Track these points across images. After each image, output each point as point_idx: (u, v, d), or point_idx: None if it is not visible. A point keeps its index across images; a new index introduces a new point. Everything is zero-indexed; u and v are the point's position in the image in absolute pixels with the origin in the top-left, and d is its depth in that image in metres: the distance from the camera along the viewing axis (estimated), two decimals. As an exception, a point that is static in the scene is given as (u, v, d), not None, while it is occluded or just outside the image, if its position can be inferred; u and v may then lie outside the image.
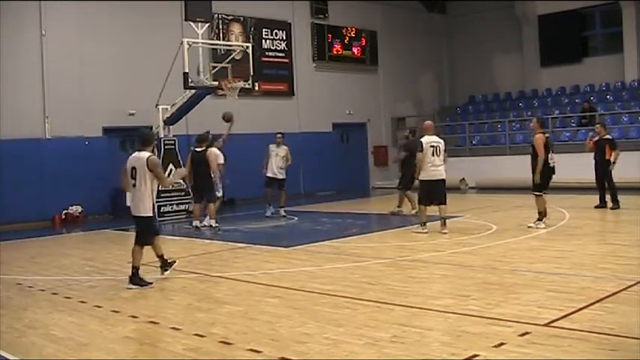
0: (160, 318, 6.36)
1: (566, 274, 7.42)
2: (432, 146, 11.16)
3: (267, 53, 21.33)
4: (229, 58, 16.28)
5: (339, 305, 6.45)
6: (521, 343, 4.98)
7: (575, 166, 15.52)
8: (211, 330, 5.80)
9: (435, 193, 11.27)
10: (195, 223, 13.34)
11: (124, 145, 18.36)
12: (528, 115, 23.52)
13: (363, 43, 24.35)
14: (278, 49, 21.77)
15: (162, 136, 16.05)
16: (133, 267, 7.90)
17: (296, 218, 14.73)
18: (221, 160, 13.46)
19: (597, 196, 13.92)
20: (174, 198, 15.76)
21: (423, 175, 11.25)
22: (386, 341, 5.18)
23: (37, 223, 15.69)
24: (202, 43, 15.69)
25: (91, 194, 16.81)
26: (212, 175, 13.00)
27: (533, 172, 11.23)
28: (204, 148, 13.09)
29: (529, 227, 11.12)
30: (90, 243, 13.04)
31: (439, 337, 5.33)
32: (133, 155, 8.16)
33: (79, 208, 16.54)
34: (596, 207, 13.69)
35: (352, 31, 23.95)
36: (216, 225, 13.19)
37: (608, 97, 23.17)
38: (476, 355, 4.72)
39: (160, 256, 8.33)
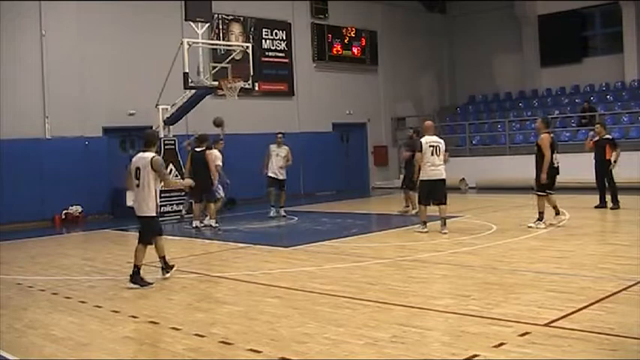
0: (160, 318, 6.36)
1: (566, 274, 7.42)
2: (432, 146, 11.16)
3: (267, 53, 21.34)
4: (229, 58, 16.28)
5: (339, 305, 6.45)
6: (521, 343, 4.98)
7: (575, 166, 15.51)
8: (211, 330, 5.80)
9: (434, 193, 11.28)
10: (196, 223, 13.34)
11: (123, 145, 18.40)
12: (528, 115, 23.57)
13: (363, 43, 24.36)
14: (278, 49, 21.77)
15: (162, 136, 16.04)
16: (135, 265, 7.91)
17: (296, 218, 14.73)
18: (219, 162, 13.45)
19: (597, 196, 13.93)
20: (174, 198, 15.74)
21: (423, 175, 11.28)
22: (386, 341, 5.18)
23: (37, 223, 15.70)
24: (202, 43, 15.68)
25: (91, 194, 16.82)
26: (211, 176, 12.98)
27: (538, 172, 11.18)
28: (203, 148, 13.08)
29: (529, 227, 11.11)
30: (90, 243, 13.05)
31: (439, 337, 5.33)
32: (137, 155, 8.21)
33: (79, 208, 16.53)
34: (596, 207, 13.69)
35: (352, 31, 23.96)
36: (217, 225, 13.19)
37: (608, 97, 23.18)
38: (476, 355, 4.72)
39: (162, 258, 8.34)
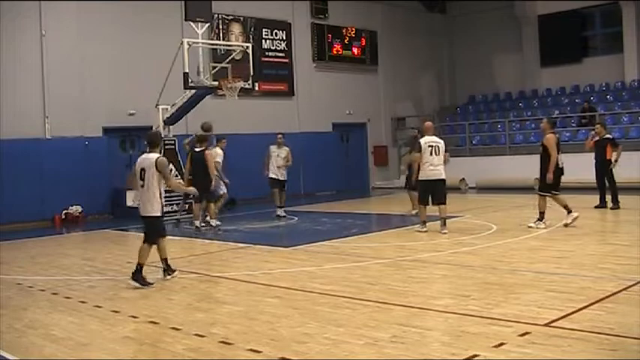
0: (160, 318, 6.36)
1: (566, 274, 7.42)
2: (431, 146, 11.19)
3: (267, 53, 21.34)
4: (229, 58, 16.27)
5: (339, 305, 6.45)
6: (521, 343, 4.98)
7: (575, 166, 15.46)
8: (211, 330, 5.80)
9: (434, 193, 11.30)
10: (196, 223, 13.33)
11: (123, 145, 18.41)
12: (528, 115, 23.58)
13: (363, 43, 24.36)
14: (278, 49, 21.77)
15: (162, 136, 16.04)
16: (138, 264, 7.93)
17: (296, 218, 14.73)
18: (219, 159, 13.46)
19: (597, 196, 13.93)
20: (174, 198, 15.73)
21: (422, 175, 11.31)
22: (386, 341, 5.18)
23: (37, 223, 15.70)
24: (202, 43, 15.68)
25: (91, 194, 16.82)
26: (210, 175, 12.96)
27: (543, 172, 11.16)
28: (203, 148, 13.08)
29: (529, 227, 11.12)
30: (90, 243, 13.05)
31: (439, 337, 5.33)
32: (142, 156, 8.29)
33: (79, 208, 16.54)
34: (596, 207, 13.69)
35: (352, 31, 23.96)
36: (218, 224, 13.19)
37: (608, 97, 23.19)
38: (476, 355, 4.72)
39: (164, 259, 8.34)
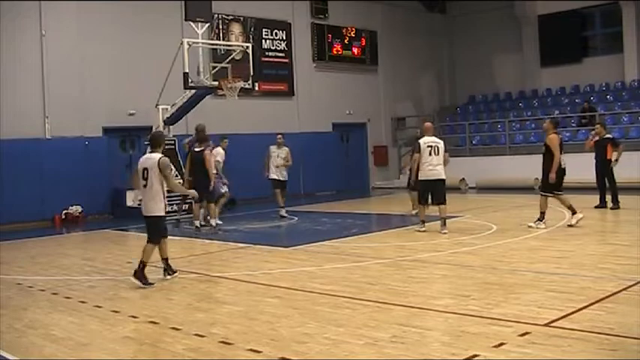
0: (160, 318, 6.36)
1: (566, 274, 7.42)
2: (430, 146, 11.22)
3: (267, 53, 21.34)
4: (229, 58, 16.28)
5: (339, 305, 6.45)
6: (521, 343, 4.98)
7: (575, 166, 15.46)
8: (211, 330, 5.80)
9: (434, 192, 11.32)
10: (196, 223, 13.33)
11: (123, 145, 18.41)
12: (528, 115, 23.59)
13: (363, 43, 24.36)
14: (278, 49, 21.78)
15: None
16: (142, 262, 7.93)
17: (296, 218, 14.72)
18: (219, 158, 13.45)
19: (597, 196, 13.93)
20: (174, 198, 15.71)
21: (422, 175, 11.36)
22: (386, 341, 5.18)
23: (37, 223, 15.70)
24: (202, 43, 15.68)
25: (91, 194, 16.82)
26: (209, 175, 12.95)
27: (545, 172, 11.16)
28: (203, 148, 13.08)
29: (529, 227, 11.12)
30: (90, 243, 13.05)
31: (439, 337, 5.33)
32: (145, 156, 8.33)
33: (79, 208, 16.54)
34: (596, 207, 13.69)
35: (352, 31, 23.96)
36: (219, 223, 13.21)
37: (608, 97, 23.19)
38: (476, 355, 4.72)
39: (165, 259, 8.35)
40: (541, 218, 11.19)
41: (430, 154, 11.19)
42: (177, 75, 15.12)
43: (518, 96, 25.93)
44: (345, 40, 23.75)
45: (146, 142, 16.21)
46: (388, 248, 9.97)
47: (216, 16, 18.85)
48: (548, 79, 25.16)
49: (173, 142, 16.37)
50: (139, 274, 7.87)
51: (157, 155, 8.08)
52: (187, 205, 14.84)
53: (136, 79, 17.68)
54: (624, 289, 6.50)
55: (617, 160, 13.77)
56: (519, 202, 15.90)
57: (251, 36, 20.76)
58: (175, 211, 15.08)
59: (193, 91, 15.56)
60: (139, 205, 8.28)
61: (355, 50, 24.11)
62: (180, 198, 14.98)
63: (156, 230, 8.13)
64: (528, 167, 19.25)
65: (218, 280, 8.27)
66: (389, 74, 25.14)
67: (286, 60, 21.99)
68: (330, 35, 23.23)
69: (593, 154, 14.14)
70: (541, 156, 11.37)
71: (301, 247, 10.56)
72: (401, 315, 5.99)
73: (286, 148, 14.79)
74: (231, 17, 20.42)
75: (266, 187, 15.12)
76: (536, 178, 19.00)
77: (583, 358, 4.59)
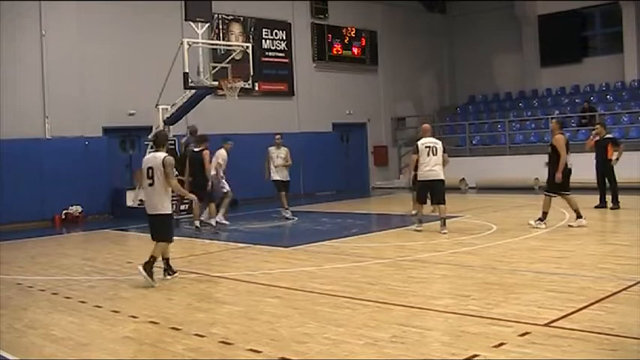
0: (160, 318, 6.36)
1: (566, 274, 7.42)
2: (428, 147, 11.27)
3: (267, 53, 21.34)
4: (229, 58, 16.25)
5: (339, 305, 6.45)
6: (521, 343, 4.98)
7: (575, 166, 15.49)
8: (211, 330, 5.80)
9: (433, 193, 11.35)
10: (196, 223, 13.32)
11: (123, 145, 18.41)
12: (528, 115, 23.59)
13: (363, 43, 24.36)
14: (278, 49, 21.78)
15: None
16: (152, 256, 7.98)
17: (296, 218, 14.71)
18: (221, 161, 13.44)
19: (597, 196, 13.93)
20: (173, 198, 15.69)
21: (421, 176, 11.43)
22: (386, 341, 5.18)
23: (37, 223, 15.70)
24: (202, 43, 15.65)
25: (91, 194, 16.82)
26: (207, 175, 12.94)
27: (551, 172, 11.16)
28: (202, 148, 13.07)
29: (529, 224, 11.15)
30: (90, 243, 13.05)
31: (439, 337, 5.33)
32: (149, 155, 8.43)
33: (79, 208, 16.53)
34: (596, 207, 13.69)
35: (352, 31, 23.96)
36: (226, 223, 13.23)
37: (608, 97, 23.19)
38: (476, 355, 4.72)
39: (166, 260, 8.37)
40: (542, 218, 11.19)
41: (429, 154, 11.23)
42: (177, 75, 15.09)
43: (518, 96, 25.93)
44: (345, 40, 23.75)
45: (146, 142, 16.34)
46: (388, 248, 9.97)
47: (216, 16, 18.84)
48: (548, 79, 25.16)
49: (173, 142, 16.35)
50: (148, 267, 7.92)
51: (162, 154, 8.14)
52: (187, 205, 14.81)
53: (136, 79, 17.67)
54: (624, 289, 6.50)
55: (617, 159, 13.78)
56: (519, 202, 15.90)
57: (251, 36, 20.76)
58: (174, 211, 15.07)
59: (193, 91, 15.53)
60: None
61: (355, 50, 24.11)
62: (177, 198, 14.98)
63: (166, 228, 8.18)
64: (528, 167, 19.28)
65: (218, 280, 8.27)
66: (389, 74, 25.14)
67: (286, 60, 21.98)
68: (330, 35, 23.23)
69: (593, 154, 14.14)
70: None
71: (301, 247, 10.56)
72: (401, 315, 5.99)
73: (285, 148, 14.71)
74: (231, 17, 20.42)
75: (266, 187, 15.10)
76: (536, 178, 19.07)
77: (583, 358, 4.59)
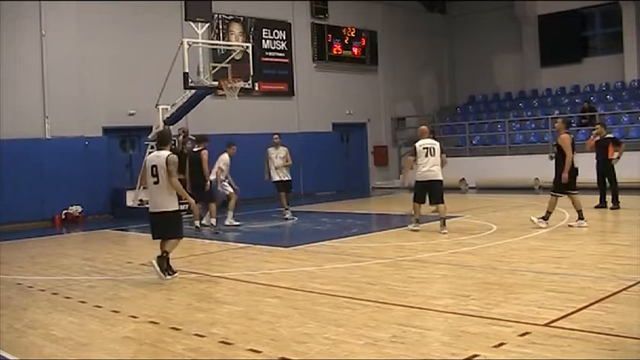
0: (160, 318, 6.36)
1: (566, 274, 7.42)
2: (426, 148, 11.31)
3: (267, 53, 21.35)
4: (229, 58, 16.27)
5: (339, 305, 6.45)
6: (521, 343, 4.98)
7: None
8: (211, 330, 5.79)
9: (431, 193, 11.37)
10: (196, 223, 13.32)
11: (123, 145, 18.42)
12: (528, 115, 23.59)
13: (363, 43, 24.36)
14: (278, 49, 21.78)
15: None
16: (165, 251, 8.16)
17: (296, 218, 14.71)
18: (222, 165, 13.44)
19: (597, 196, 13.93)
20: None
21: (419, 177, 11.45)
22: (386, 341, 5.18)
23: (37, 223, 15.70)
24: (202, 43, 15.67)
25: (91, 194, 16.82)
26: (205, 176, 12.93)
27: (557, 172, 11.16)
28: (201, 148, 13.08)
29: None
30: (90, 243, 13.05)
31: (439, 337, 5.33)
32: (153, 154, 8.47)
33: (79, 208, 16.54)
34: (596, 207, 13.69)
35: (352, 31, 23.96)
36: (236, 224, 13.35)
37: (608, 97, 23.19)
38: (476, 355, 4.72)
39: (167, 259, 8.38)
40: (546, 217, 11.19)
41: (427, 155, 11.26)
42: (177, 75, 15.11)
43: (518, 96, 25.93)
44: (345, 40, 23.75)
45: (146, 142, 16.34)
46: (388, 248, 9.97)
47: (216, 16, 18.85)
48: (548, 79, 25.16)
49: (173, 142, 16.36)
50: (161, 261, 8.09)
51: (166, 152, 8.20)
52: (187, 205, 14.80)
53: (136, 79, 17.68)
54: (624, 289, 6.50)
55: (618, 158, 13.80)
56: (519, 202, 15.89)
57: (251, 36, 20.77)
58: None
59: (193, 91, 15.55)
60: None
61: (355, 50, 24.11)
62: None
63: (176, 226, 8.28)
64: (528, 167, 19.30)
65: (218, 280, 8.27)
66: (389, 74, 25.14)
67: (286, 60, 21.99)
68: (330, 35, 23.23)
69: (593, 154, 14.14)
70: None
71: (301, 247, 10.56)
72: (401, 315, 5.99)
73: (284, 148, 14.62)
74: (231, 17, 20.42)
75: (266, 187, 15.08)
76: (536, 178, 19.09)
77: (583, 358, 4.59)
